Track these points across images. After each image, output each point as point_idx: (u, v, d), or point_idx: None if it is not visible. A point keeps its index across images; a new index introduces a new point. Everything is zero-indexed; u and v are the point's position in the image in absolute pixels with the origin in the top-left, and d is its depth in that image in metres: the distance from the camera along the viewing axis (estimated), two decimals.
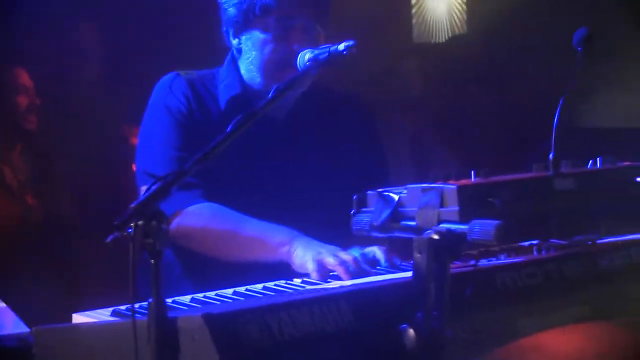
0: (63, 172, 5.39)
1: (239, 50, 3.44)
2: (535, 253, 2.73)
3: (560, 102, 2.67)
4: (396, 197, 2.51)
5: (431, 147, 5.59)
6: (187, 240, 3.25)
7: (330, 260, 2.89)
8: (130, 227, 2.29)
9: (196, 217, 3.23)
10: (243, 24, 3.38)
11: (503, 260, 2.72)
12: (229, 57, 3.52)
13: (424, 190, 2.45)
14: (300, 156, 3.42)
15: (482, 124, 5.59)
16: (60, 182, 5.43)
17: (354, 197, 2.59)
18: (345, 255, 2.91)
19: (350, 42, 2.87)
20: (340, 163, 3.45)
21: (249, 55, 3.39)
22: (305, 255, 2.99)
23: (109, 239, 2.31)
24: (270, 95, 2.77)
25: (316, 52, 2.94)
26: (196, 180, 3.25)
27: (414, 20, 6.87)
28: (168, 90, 3.44)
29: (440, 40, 6.70)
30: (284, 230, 3.13)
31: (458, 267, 2.59)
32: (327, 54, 2.91)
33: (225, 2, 3.43)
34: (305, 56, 2.97)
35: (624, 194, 2.64)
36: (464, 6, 6.71)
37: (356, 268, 2.86)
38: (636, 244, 2.84)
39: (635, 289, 2.76)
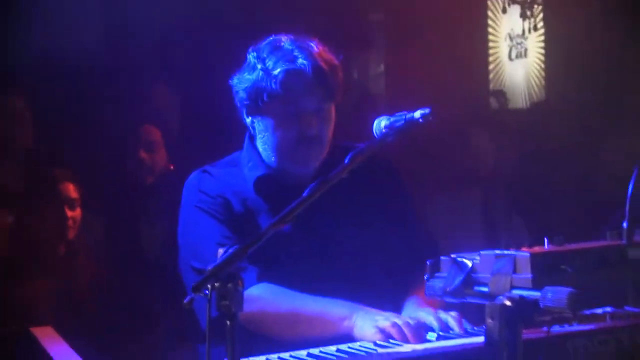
0: None
1: (253, 129, 3.50)
2: (608, 321, 2.72)
3: (635, 170, 2.68)
4: (469, 263, 2.54)
5: (505, 216, 5.59)
6: (248, 324, 3.28)
7: (387, 324, 2.96)
8: (207, 289, 2.36)
9: (254, 301, 3.19)
10: (254, 108, 3.44)
11: (575, 327, 2.71)
12: (246, 137, 3.58)
13: (497, 256, 2.48)
14: (339, 223, 3.47)
15: (558, 193, 5.58)
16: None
17: (428, 262, 2.63)
18: (400, 320, 2.97)
19: (426, 110, 2.90)
20: (374, 229, 3.48)
21: (263, 135, 3.45)
22: (364, 324, 3.05)
23: (186, 300, 2.37)
24: (346, 161, 2.81)
25: (392, 119, 2.96)
26: (248, 263, 3.29)
27: (490, 86, 6.90)
28: (197, 192, 3.49)
29: (519, 107, 6.71)
30: (343, 304, 3.19)
31: (530, 333, 2.60)
32: (403, 121, 2.93)
33: (236, 84, 3.48)
34: (381, 123, 2.99)
35: None
36: (543, 72, 6.73)
37: (410, 331, 2.91)
38: None
39: None
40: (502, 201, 5.68)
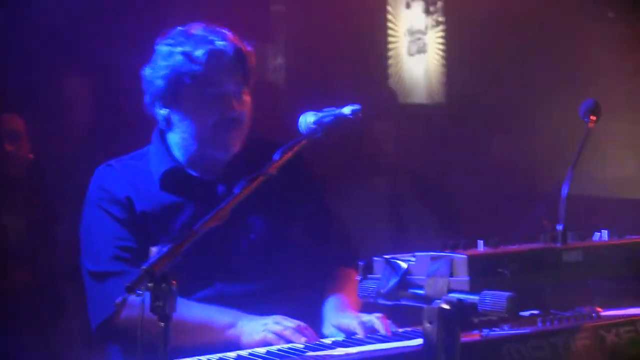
0: None
1: (168, 122, 3.42)
2: (539, 324, 2.72)
3: (569, 172, 2.69)
4: (404, 265, 2.50)
5: (412, 214, 5.60)
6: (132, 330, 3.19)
7: (278, 328, 2.97)
8: (140, 290, 2.27)
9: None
10: (173, 94, 3.37)
11: (508, 330, 2.70)
12: (155, 132, 3.51)
13: (433, 258, 2.45)
14: (253, 222, 3.43)
15: (466, 190, 5.61)
16: None
17: (361, 263, 2.58)
18: (289, 322, 2.99)
19: (357, 107, 2.87)
20: (287, 225, 3.47)
21: (182, 124, 3.39)
22: (253, 330, 3.04)
23: (118, 300, 2.29)
24: (275, 157, 2.75)
25: (320, 115, 2.92)
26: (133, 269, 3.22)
27: (389, 81, 6.91)
28: (98, 189, 3.41)
29: (419, 102, 6.73)
30: (227, 312, 3.17)
31: (465, 337, 2.57)
32: (332, 117, 2.89)
33: (149, 74, 3.41)
34: (309, 119, 2.94)
35: (629, 268, 2.65)
36: (443, 75, 6.76)
37: (305, 334, 2.95)
38: None
39: None
40: (410, 196, 5.69)
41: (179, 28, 3.43)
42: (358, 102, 2.91)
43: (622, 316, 2.80)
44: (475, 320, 2.75)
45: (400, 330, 2.99)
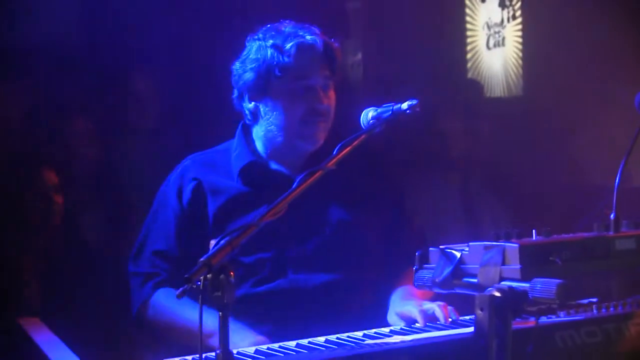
0: None
1: (255, 115, 3.53)
2: (595, 311, 2.75)
3: (622, 163, 2.71)
4: (458, 254, 2.56)
5: (485, 206, 5.62)
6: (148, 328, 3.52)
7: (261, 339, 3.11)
8: (199, 281, 2.36)
9: (152, 307, 3.46)
10: (262, 87, 3.48)
11: (563, 317, 2.74)
12: (239, 126, 3.63)
13: (486, 248, 2.50)
14: (325, 215, 3.50)
15: (537, 184, 5.61)
16: None
17: (417, 253, 2.65)
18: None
19: (414, 102, 2.92)
20: (362, 219, 3.52)
21: (269, 116, 3.49)
22: (238, 343, 3.06)
23: (178, 292, 2.37)
24: (334, 151, 2.83)
25: (379, 110, 2.99)
26: (154, 270, 3.49)
27: (468, 75, 6.92)
28: (178, 180, 3.57)
29: (497, 96, 6.74)
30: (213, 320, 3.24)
31: (518, 324, 2.62)
32: (390, 112, 2.96)
33: (240, 67, 3.53)
34: (368, 114, 3.01)
35: None
36: (520, 69, 6.75)
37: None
38: None
39: None
40: (481, 189, 5.70)
41: (268, 25, 3.55)
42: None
43: None
44: (533, 308, 2.81)
45: (461, 318, 3.05)
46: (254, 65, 3.48)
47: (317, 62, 3.46)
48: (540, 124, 6.04)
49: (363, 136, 2.92)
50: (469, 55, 6.95)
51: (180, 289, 2.37)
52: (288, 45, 3.43)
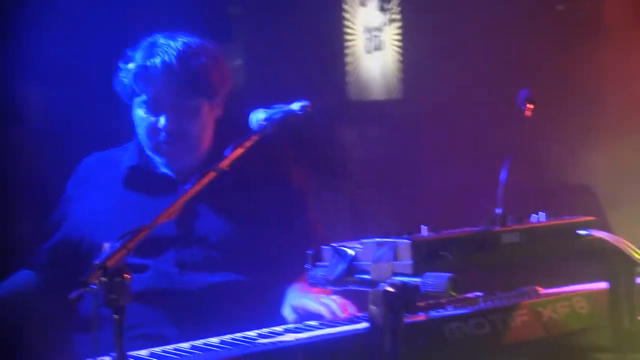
0: None
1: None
2: (481, 304, 2.83)
3: (507, 160, 2.80)
4: (351, 252, 2.61)
5: (372, 206, 5.70)
6: None
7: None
8: (94, 284, 2.36)
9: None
10: (129, 97, 3.59)
11: (451, 311, 2.81)
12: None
13: (378, 244, 2.55)
14: (223, 214, 3.56)
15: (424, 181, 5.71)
16: None
17: (309, 252, 2.69)
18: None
19: (305, 103, 2.96)
20: (259, 219, 3.58)
21: (137, 124, 3.60)
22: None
23: (73, 295, 2.37)
24: (226, 153, 2.85)
25: (270, 112, 3.01)
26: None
27: (347, 78, 6.99)
28: (75, 173, 3.74)
29: (377, 99, 6.82)
30: None
31: (409, 319, 2.68)
32: (281, 114, 2.98)
33: (117, 79, 3.62)
34: (259, 115, 3.03)
35: (567, 246, 2.76)
36: (399, 72, 6.84)
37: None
38: (577, 295, 2.96)
39: (575, 337, 2.88)
40: (370, 191, 5.78)
41: (146, 37, 3.61)
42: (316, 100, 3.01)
43: (558, 293, 2.93)
44: (422, 304, 2.88)
45: (357, 314, 3.10)
46: (122, 81, 3.57)
47: (161, 82, 3.51)
48: (421, 126, 6.14)
49: (255, 137, 2.95)
50: (348, 59, 7.02)
51: (75, 292, 2.36)
52: (130, 66, 3.52)
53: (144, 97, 3.50)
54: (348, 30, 7.00)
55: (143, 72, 3.49)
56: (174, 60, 3.47)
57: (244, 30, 6.81)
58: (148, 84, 3.50)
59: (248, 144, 2.89)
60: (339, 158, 5.79)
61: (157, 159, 3.54)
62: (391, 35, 6.87)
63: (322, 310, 3.12)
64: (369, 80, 6.94)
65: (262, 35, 6.44)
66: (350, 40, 7.01)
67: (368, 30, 6.98)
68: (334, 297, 3.16)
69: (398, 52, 6.78)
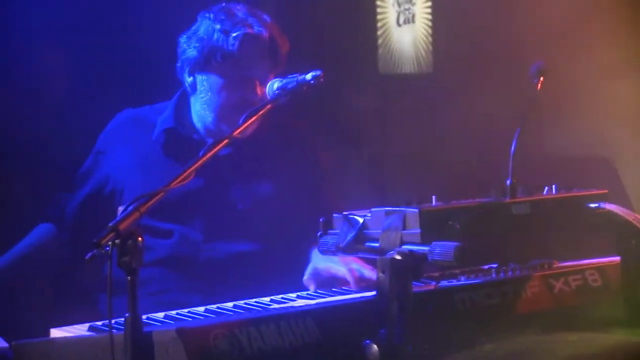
0: None
1: (193, 88, 3.63)
2: (493, 275, 2.85)
3: (518, 130, 2.81)
4: (361, 220, 2.64)
5: (393, 175, 5.72)
6: None
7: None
8: (108, 246, 2.40)
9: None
10: (202, 66, 3.57)
11: (462, 281, 2.84)
12: (179, 91, 3.73)
13: (387, 213, 2.58)
14: (248, 180, 3.59)
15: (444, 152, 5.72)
16: None
17: (321, 220, 2.72)
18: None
19: (317, 72, 3.01)
20: (283, 187, 3.61)
21: (204, 95, 3.59)
22: None
23: (87, 257, 2.41)
24: (240, 121, 2.90)
25: (284, 81, 3.07)
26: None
27: (379, 51, 7.00)
28: (107, 127, 3.76)
29: (407, 72, 6.82)
30: None
31: (419, 287, 2.72)
32: (295, 83, 3.03)
33: (185, 42, 3.61)
34: (274, 85, 3.09)
35: (578, 219, 2.77)
36: (430, 46, 6.83)
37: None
38: (590, 268, 2.97)
39: (587, 309, 2.89)
40: (390, 162, 5.80)
41: (223, 4, 3.63)
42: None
43: (572, 265, 2.94)
44: (435, 274, 2.92)
45: None
46: (198, 44, 3.56)
47: (260, 54, 3.53)
48: (451, 99, 6.14)
49: (268, 106, 3.00)
50: (379, 32, 7.02)
51: (89, 253, 2.40)
52: (235, 34, 3.50)
53: (236, 65, 3.52)
54: (379, 3, 7.00)
55: (244, 40, 3.49)
56: (272, 33, 3.54)
57: (277, 2, 6.82)
58: (246, 53, 3.51)
59: (262, 111, 2.93)
60: (363, 129, 5.81)
61: (224, 129, 3.54)
62: (422, 9, 6.85)
63: (348, 276, 3.14)
64: (400, 53, 6.94)
65: (295, 8, 6.45)
66: (381, 14, 7.01)
67: (399, 3, 6.97)
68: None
69: (428, 26, 6.77)
